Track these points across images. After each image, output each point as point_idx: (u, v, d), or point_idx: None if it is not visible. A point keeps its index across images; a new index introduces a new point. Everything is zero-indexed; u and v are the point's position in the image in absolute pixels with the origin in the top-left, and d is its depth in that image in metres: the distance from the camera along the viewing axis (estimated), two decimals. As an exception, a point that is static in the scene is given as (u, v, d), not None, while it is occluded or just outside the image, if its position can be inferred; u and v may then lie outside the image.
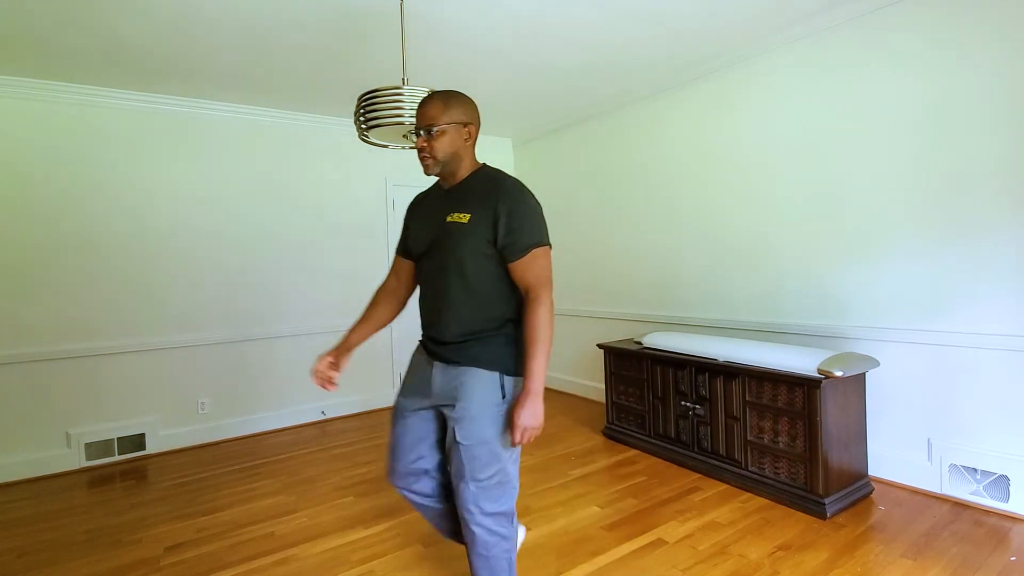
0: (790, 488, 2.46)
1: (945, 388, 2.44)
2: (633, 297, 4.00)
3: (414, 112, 1.95)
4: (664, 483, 2.75)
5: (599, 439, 3.45)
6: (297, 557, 2.15)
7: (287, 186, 3.99)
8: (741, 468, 2.67)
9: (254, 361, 3.86)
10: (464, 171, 1.50)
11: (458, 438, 1.43)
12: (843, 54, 2.71)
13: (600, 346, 3.50)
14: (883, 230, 2.61)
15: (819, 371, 2.34)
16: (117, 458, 3.39)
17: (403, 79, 2.18)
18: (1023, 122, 2.18)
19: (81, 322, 3.31)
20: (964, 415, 2.39)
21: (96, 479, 3.12)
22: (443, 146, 1.43)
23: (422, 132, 1.43)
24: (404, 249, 1.66)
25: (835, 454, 2.39)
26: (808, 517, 2.34)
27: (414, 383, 1.57)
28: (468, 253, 1.41)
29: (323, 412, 4.14)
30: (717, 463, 2.78)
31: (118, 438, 3.40)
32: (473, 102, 1.50)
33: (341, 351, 1.62)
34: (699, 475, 2.83)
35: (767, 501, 2.51)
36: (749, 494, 2.59)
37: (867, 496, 2.51)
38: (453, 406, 1.45)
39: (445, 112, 1.42)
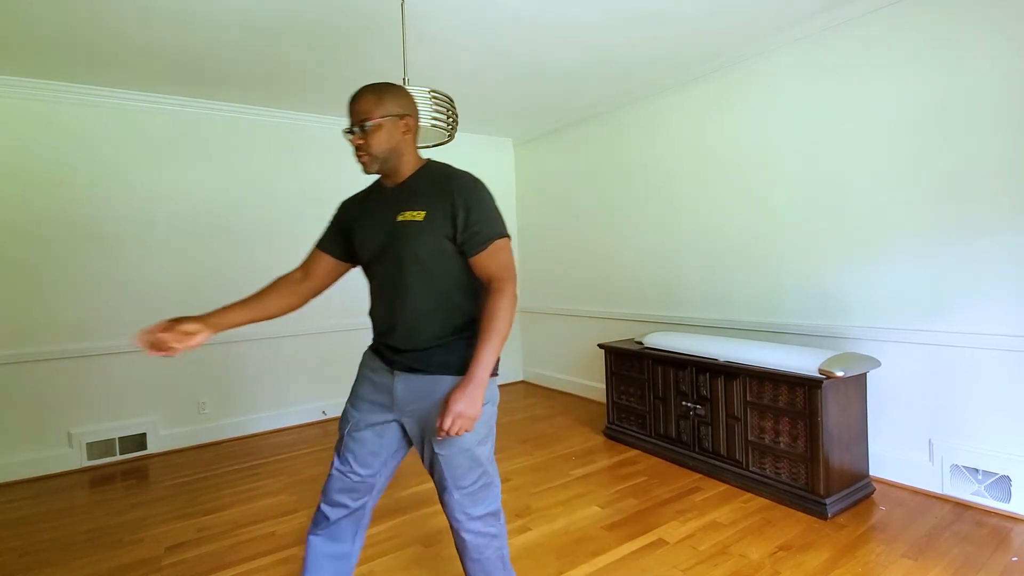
0: (791, 488, 2.46)
1: (946, 388, 2.44)
2: (633, 297, 4.00)
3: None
4: (665, 483, 2.74)
5: (600, 439, 3.45)
6: (297, 557, 2.15)
7: (288, 186, 3.99)
8: (742, 468, 2.67)
9: (255, 361, 3.86)
10: (408, 167, 1.41)
11: (436, 450, 1.37)
12: (843, 54, 2.71)
13: (601, 346, 3.50)
14: (883, 230, 2.61)
15: (820, 371, 2.34)
16: (118, 458, 3.40)
17: (404, 79, 2.18)
18: (1023, 122, 2.19)
19: (83, 322, 3.31)
20: (965, 415, 2.39)
21: (97, 479, 3.12)
22: (380, 142, 1.34)
23: (356, 129, 1.33)
24: (330, 246, 1.52)
25: (836, 454, 2.39)
26: (809, 517, 2.34)
27: (370, 394, 1.45)
28: (427, 251, 1.34)
29: (324, 412, 4.14)
30: (718, 463, 2.78)
31: (119, 438, 3.40)
32: (408, 93, 1.40)
33: (209, 324, 1.34)
34: (700, 475, 2.83)
35: (768, 501, 2.51)
36: (750, 494, 2.59)
37: (868, 496, 2.51)
38: (421, 417, 1.38)
39: (378, 105, 1.33)
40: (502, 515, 1.49)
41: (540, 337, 5.01)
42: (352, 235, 1.48)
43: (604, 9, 2.57)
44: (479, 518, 1.42)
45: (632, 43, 2.99)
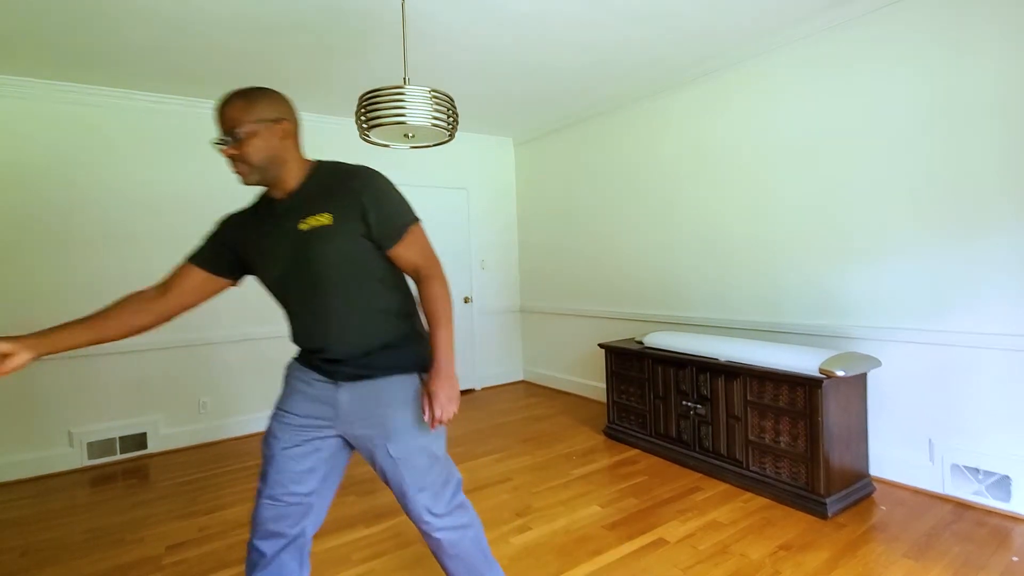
0: (791, 488, 2.45)
1: (947, 388, 2.44)
2: (634, 296, 4.00)
3: (416, 112, 1.95)
4: (665, 483, 2.74)
5: (600, 438, 3.45)
6: (298, 556, 2.15)
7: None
8: (742, 468, 2.67)
9: (256, 360, 3.87)
10: (294, 174, 1.30)
11: (392, 454, 1.33)
12: (843, 54, 2.70)
13: (601, 346, 3.50)
14: (884, 229, 2.60)
15: (820, 371, 2.34)
16: (119, 457, 3.40)
17: (404, 79, 2.18)
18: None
19: (83, 321, 3.31)
20: (966, 415, 2.38)
21: (98, 478, 3.12)
22: (256, 150, 1.23)
23: (226, 138, 1.22)
24: (207, 260, 1.37)
25: (836, 454, 2.39)
26: (809, 517, 2.33)
27: (304, 409, 1.36)
28: (342, 255, 1.27)
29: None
30: (718, 463, 2.78)
31: (120, 437, 3.41)
32: (282, 96, 1.29)
33: (29, 346, 1.15)
34: (700, 475, 2.83)
35: (768, 501, 2.51)
36: (750, 494, 2.58)
37: (868, 496, 2.50)
38: (373, 424, 1.33)
39: (248, 110, 1.22)
40: (469, 504, 1.47)
41: (540, 337, 5.01)
42: (244, 255, 1.37)
43: (604, 9, 2.57)
44: (447, 514, 1.39)
45: (632, 43, 2.98)
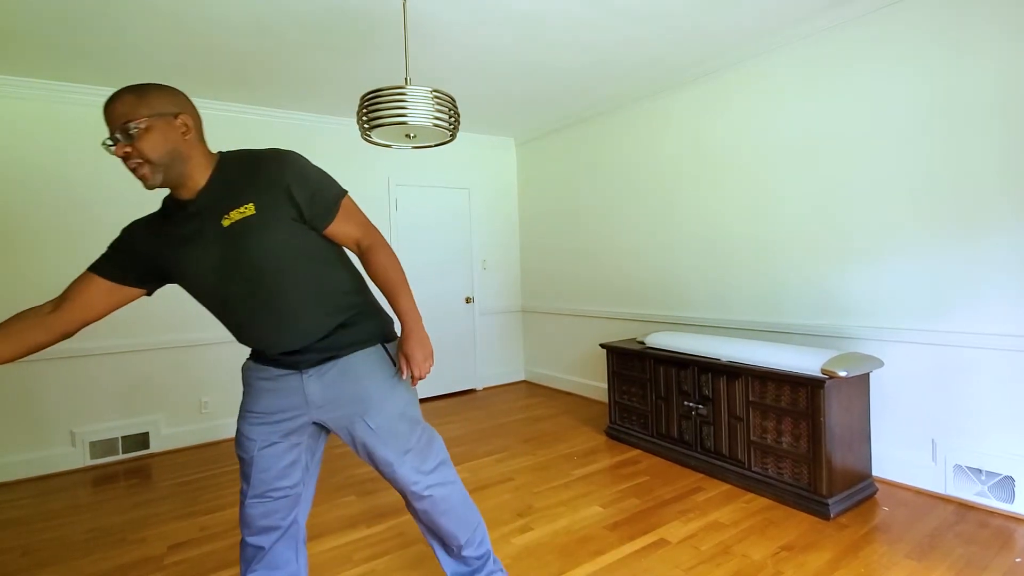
0: (793, 488, 2.45)
1: (949, 388, 2.43)
2: (635, 297, 3.99)
3: (417, 112, 1.95)
4: (667, 483, 2.74)
5: (601, 439, 3.45)
6: (299, 556, 2.16)
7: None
8: (744, 468, 2.66)
9: (257, 361, 3.86)
10: (200, 171, 1.22)
11: (372, 426, 1.35)
12: (843, 54, 2.70)
13: (603, 346, 3.50)
14: (886, 229, 2.60)
15: (823, 371, 2.33)
16: (121, 457, 3.41)
17: (406, 79, 2.18)
18: (1028, 121, 2.18)
19: (85, 322, 3.32)
20: (969, 415, 2.38)
21: (100, 477, 3.13)
22: (153, 146, 1.14)
23: (118, 136, 1.12)
24: (109, 269, 1.28)
25: (839, 454, 2.38)
26: (811, 517, 2.33)
27: (271, 405, 1.34)
28: (277, 243, 1.21)
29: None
30: (720, 463, 2.77)
31: (122, 437, 3.41)
32: (177, 90, 1.21)
33: None
34: (702, 475, 2.82)
35: (770, 501, 2.50)
36: (752, 494, 2.58)
37: (871, 497, 2.50)
38: (345, 402, 1.35)
39: (140, 105, 1.13)
40: (450, 462, 1.52)
41: (542, 337, 5.01)
42: (162, 264, 1.28)
43: (604, 9, 2.57)
44: (433, 470, 1.44)
45: (632, 43, 2.98)
